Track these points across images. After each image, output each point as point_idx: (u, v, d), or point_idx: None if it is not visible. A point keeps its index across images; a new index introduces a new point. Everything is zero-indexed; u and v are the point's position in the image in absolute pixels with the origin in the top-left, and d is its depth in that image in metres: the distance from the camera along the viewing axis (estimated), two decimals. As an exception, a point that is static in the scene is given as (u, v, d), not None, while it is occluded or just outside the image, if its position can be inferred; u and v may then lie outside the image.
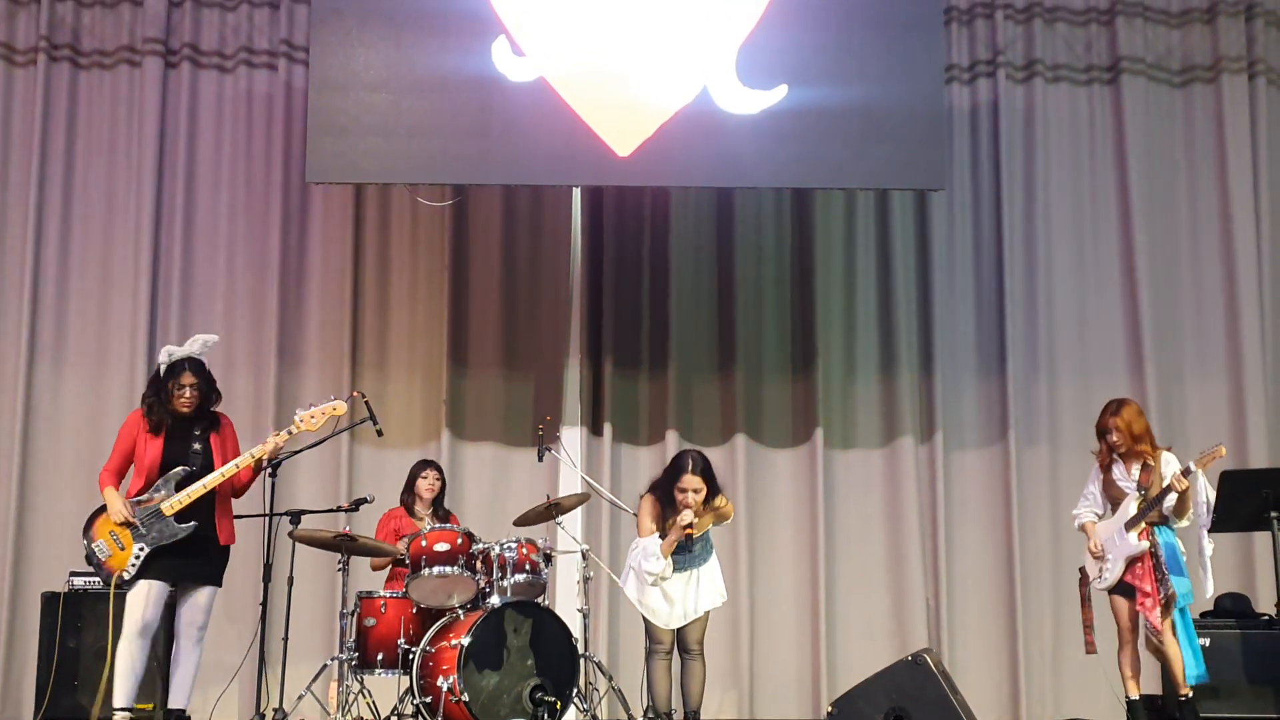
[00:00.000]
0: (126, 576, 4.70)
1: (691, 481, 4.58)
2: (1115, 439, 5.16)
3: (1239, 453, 6.59)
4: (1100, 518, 5.28)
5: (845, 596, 6.62)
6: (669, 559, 4.60)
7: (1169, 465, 5.14)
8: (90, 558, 4.77)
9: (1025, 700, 6.44)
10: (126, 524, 4.71)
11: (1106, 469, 5.23)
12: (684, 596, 4.63)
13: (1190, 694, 4.99)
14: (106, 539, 4.74)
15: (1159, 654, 5.08)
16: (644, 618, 4.71)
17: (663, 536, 4.61)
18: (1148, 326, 6.79)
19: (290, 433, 4.93)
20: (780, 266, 6.89)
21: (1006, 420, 6.72)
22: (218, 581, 4.92)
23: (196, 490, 4.74)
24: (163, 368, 4.85)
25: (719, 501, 4.81)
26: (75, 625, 5.51)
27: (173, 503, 4.72)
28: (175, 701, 4.86)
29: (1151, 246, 6.89)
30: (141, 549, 4.69)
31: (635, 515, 4.97)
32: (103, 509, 4.79)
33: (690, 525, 4.51)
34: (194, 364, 4.84)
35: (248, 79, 6.85)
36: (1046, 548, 6.57)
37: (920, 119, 6.14)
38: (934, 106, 6.19)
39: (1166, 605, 5.00)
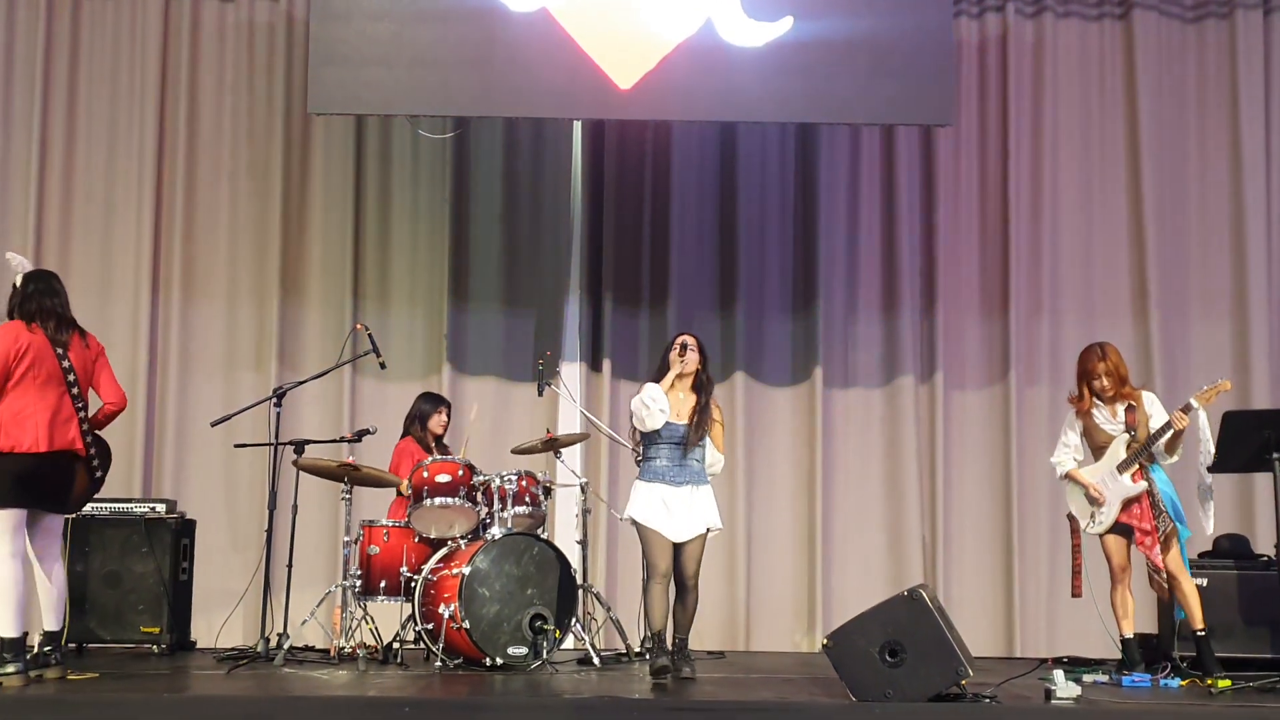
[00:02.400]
0: None
1: (685, 337, 4.87)
2: (1105, 383, 5.12)
3: (1242, 393, 6.56)
4: (1079, 464, 5.25)
5: (842, 533, 6.67)
6: (666, 394, 4.77)
7: (1153, 405, 5.13)
8: None
9: (1020, 637, 6.50)
10: None
11: (1087, 414, 5.19)
12: (687, 511, 4.72)
13: (1206, 630, 4.98)
14: None
15: (1166, 592, 5.07)
16: (642, 547, 4.76)
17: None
18: (1153, 266, 6.74)
19: None
20: (783, 203, 6.84)
21: (1008, 360, 6.71)
22: None
23: None
24: None
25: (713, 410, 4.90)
26: (83, 550, 5.60)
27: None
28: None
29: (1159, 186, 6.81)
30: None
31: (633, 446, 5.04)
32: None
33: (685, 352, 4.76)
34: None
35: (249, 7, 6.80)
36: (1045, 487, 6.58)
37: (928, 53, 6.06)
38: (942, 40, 6.11)
39: (1166, 541, 5.00)
